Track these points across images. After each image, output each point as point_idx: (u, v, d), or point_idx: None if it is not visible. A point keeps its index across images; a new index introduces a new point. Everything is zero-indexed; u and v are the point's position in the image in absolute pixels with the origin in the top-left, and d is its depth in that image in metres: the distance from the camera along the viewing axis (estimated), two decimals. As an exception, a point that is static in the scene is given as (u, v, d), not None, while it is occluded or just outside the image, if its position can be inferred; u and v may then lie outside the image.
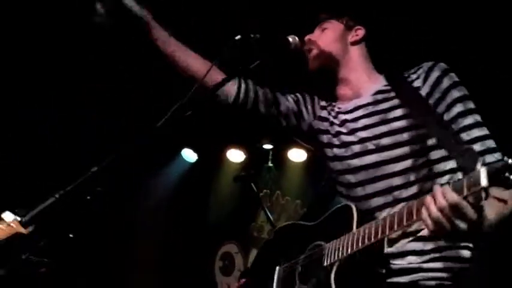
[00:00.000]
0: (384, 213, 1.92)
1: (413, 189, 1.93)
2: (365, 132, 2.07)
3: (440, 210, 1.52)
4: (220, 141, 6.18)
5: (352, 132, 2.11)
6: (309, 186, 5.92)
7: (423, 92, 1.98)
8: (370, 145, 2.03)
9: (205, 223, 6.59)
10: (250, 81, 2.29)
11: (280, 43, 2.13)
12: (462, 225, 1.52)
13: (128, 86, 5.05)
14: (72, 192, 1.61)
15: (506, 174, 1.38)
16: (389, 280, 1.87)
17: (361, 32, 2.25)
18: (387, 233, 1.71)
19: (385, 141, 1.99)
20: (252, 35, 1.97)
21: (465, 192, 1.48)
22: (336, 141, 2.15)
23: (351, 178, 2.07)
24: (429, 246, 1.87)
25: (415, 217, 1.62)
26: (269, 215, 3.86)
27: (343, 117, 2.17)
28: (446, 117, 1.93)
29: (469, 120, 1.91)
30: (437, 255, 1.87)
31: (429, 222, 1.55)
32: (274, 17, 4.09)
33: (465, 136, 1.88)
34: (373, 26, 2.27)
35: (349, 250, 1.83)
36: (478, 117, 1.93)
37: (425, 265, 1.86)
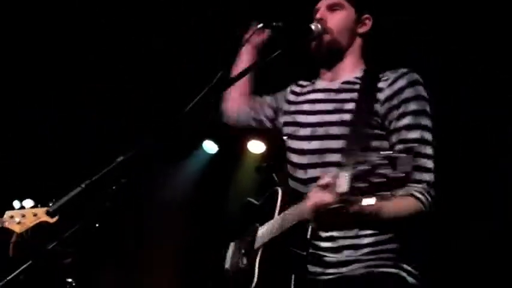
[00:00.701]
0: None
1: None
2: (317, 117, 2.10)
3: (316, 207, 1.64)
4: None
5: (308, 113, 2.14)
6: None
7: (383, 94, 2.00)
8: (319, 130, 2.07)
9: (226, 215, 6.57)
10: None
11: (303, 31, 2.10)
12: (333, 219, 1.65)
13: (127, 86, 5.05)
14: (98, 182, 1.61)
15: (360, 183, 1.44)
16: (327, 271, 1.96)
17: (369, 23, 2.20)
18: (287, 227, 1.88)
19: (333, 130, 2.03)
20: (274, 23, 1.94)
21: (334, 195, 1.56)
22: (291, 118, 2.20)
23: (296, 159, 2.12)
24: (365, 241, 1.95)
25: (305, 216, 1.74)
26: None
27: (309, 96, 2.21)
28: (393, 125, 1.97)
29: (412, 134, 1.94)
30: (372, 249, 1.95)
31: (311, 217, 1.69)
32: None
33: (400, 147, 1.90)
34: (381, 15, 2.22)
35: (269, 236, 1.96)
36: (426, 135, 1.94)
37: (363, 257, 1.94)
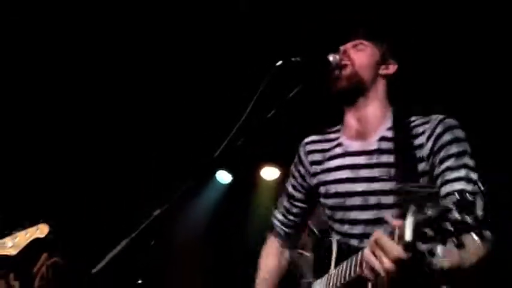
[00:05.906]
0: None
1: None
2: (366, 185, 1.99)
3: (385, 263, 1.49)
4: (254, 160, 6.16)
5: (353, 180, 2.03)
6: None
7: (425, 150, 1.92)
8: (371, 199, 1.97)
9: (245, 245, 6.49)
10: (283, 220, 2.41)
11: (321, 64, 2.06)
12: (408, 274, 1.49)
13: (128, 86, 5.05)
14: (138, 238, 1.59)
15: (426, 229, 1.32)
16: None
17: (393, 68, 2.15)
18: (342, 282, 1.73)
19: (385, 200, 1.94)
20: (292, 59, 1.91)
21: (396, 244, 1.45)
22: (328, 189, 2.09)
23: (349, 229, 2.02)
24: None
25: (360, 269, 1.64)
26: (314, 229, 3.76)
27: (345, 160, 2.09)
28: (436, 172, 1.88)
29: (456, 174, 1.83)
30: None
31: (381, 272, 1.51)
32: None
33: (447, 188, 1.81)
34: (405, 65, 2.17)
35: None
36: (470, 174, 1.83)
37: None
